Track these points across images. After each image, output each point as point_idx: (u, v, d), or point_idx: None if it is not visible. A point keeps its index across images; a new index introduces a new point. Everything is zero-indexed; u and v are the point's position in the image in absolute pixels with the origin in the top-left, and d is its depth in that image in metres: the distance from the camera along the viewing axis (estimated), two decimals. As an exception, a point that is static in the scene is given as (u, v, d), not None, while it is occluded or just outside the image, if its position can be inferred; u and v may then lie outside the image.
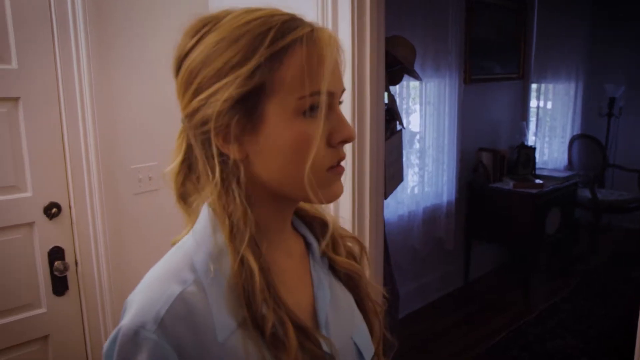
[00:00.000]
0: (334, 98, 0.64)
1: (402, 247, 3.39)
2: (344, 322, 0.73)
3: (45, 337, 1.90)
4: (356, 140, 1.71)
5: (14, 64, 1.72)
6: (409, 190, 3.42)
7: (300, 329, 0.63)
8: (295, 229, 0.76)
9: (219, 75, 0.63)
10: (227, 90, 0.62)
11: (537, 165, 4.33)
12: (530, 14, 4.31)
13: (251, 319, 0.61)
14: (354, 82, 1.68)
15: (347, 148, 1.55)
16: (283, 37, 0.61)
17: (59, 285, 1.90)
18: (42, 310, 1.88)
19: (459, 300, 3.89)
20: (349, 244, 0.79)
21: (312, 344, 0.63)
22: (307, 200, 0.65)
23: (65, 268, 1.88)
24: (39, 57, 1.76)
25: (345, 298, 0.76)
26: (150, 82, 2.02)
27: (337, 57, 0.63)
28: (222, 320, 0.62)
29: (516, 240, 3.92)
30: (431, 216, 3.63)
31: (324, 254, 0.75)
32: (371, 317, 0.78)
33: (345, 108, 1.71)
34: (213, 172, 0.65)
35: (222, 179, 0.65)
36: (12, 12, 1.69)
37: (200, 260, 0.66)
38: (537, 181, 3.84)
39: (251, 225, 0.64)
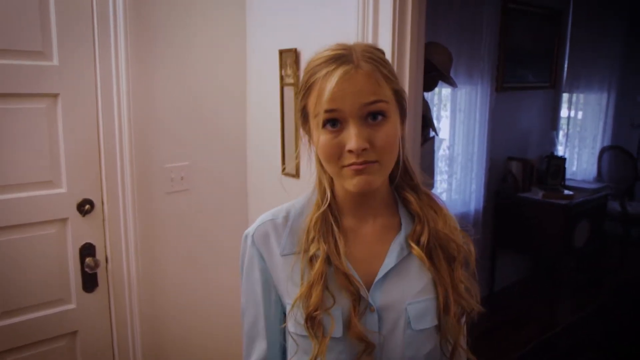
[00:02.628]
0: (344, 115, 0.83)
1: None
2: (403, 289, 0.91)
3: (74, 333, 1.91)
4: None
5: (55, 61, 1.73)
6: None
7: (336, 265, 0.89)
8: (398, 212, 0.97)
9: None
10: (297, 105, 0.99)
11: (566, 176, 4.25)
12: (565, 23, 4.24)
13: (304, 247, 0.91)
14: (393, 87, 1.65)
15: None
16: (310, 78, 0.87)
17: (89, 281, 1.91)
18: (72, 306, 1.89)
19: (483, 310, 3.83)
20: (453, 244, 0.94)
21: (343, 277, 0.88)
22: (344, 186, 0.89)
23: (96, 265, 1.88)
24: (80, 54, 1.77)
25: (418, 274, 0.92)
26: (186, 83, 2.03)
27: (347, 85, 0.82)
28: (288, 243, 0.94)
29: (543, 252, 3.84)
30: (459, 224, 3.57)
31: (410, 238, 0.93)
32: (447, 303, 0.91)
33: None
34: (310, 157, 0.97)
35: (316, 163, 0.95)
36: (55, 9, 1.70)
37: (295, 208, 0.98)
38: (567, 192, 3.77)
39: (329, 195, 0.93)
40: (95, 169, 1.87)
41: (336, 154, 0.84)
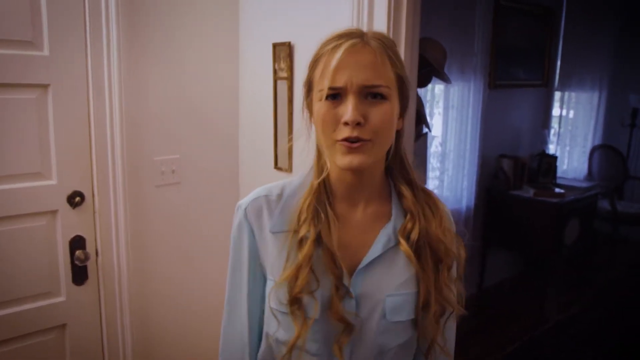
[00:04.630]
0: (346, 88, 0.84)
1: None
2: (385, 280, 0.92)
3: (63, 326, 1.90)
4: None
5: (46, 51, 1.71)
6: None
7: (325, 247, 0.89)
8: (391, 203, 0.97)
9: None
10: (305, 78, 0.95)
11: (557, 174, 4.27)
12: (558, 21, 4.25)
13: (295, 228, 0.91)
14: (386, 82, 1.65)
15: None
16: (319, 52, 0.89)
17: (79, 274, 1.89)
18: (61, 298, 1.88)
19: (472, 307, 3.84)
20: (442, 246, 0.93)
21: (330, 259, 0.89)
22: (335, 163, 0.89)
23: (86, 257, 1.87)
24: (70, 44, 1.75)
25: (403, 268, 0.92)
26: (177, 75, 2.01)
27: (352, 59, 0.84)
28: (279, 221, 0.94)
29: (533, 249, 3.87)
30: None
31: (400, 233, 0.93)
32: (427, 300, 0.91)
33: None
34: (309, 134, 0.96)
35: (316, 140, 0.93)
36: (46, -2, 1.68)
37: (290, 186, 0.98)
38: (558, 190, 3.79)
39: (325, 178, 0.94)
40: (85, 160, 1.85)
41: (332, 125, 0.85)
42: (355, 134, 0.83)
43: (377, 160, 0.90)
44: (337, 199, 0.95)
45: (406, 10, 1.64)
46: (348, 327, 0.89)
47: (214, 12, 2.08)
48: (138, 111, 1.92)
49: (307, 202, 0.92)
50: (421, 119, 2.39)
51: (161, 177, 2.02)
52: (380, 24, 1.63)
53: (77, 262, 1.86)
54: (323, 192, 0.93)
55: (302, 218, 0.91)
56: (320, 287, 0.89)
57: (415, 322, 0.92)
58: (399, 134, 0.94)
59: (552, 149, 4.56)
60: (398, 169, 0.96)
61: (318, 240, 0.90)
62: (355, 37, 0.85)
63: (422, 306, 0.91)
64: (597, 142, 5.12)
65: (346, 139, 0.83)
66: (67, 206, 1.83)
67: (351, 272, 0.91)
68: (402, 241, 0.91)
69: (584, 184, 4.29)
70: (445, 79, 2.48)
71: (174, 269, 2.12)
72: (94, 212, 1.89)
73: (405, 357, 0.96)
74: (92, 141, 1.84)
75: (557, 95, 4.55)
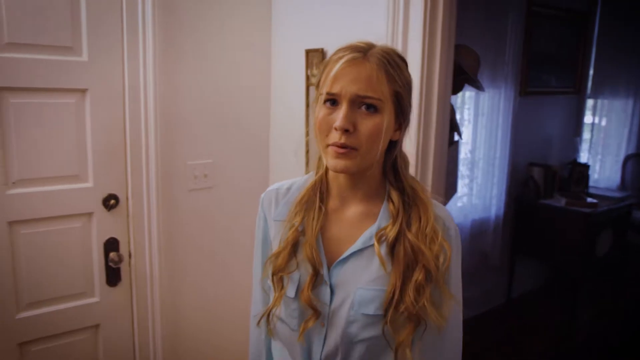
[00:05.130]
0: (340, 96, 0.91)
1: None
2: (359, 274, 0.99)
3: (96, 326, 1.93)
4: (420, 147, 1.68)
5: (85, 56, 1.75)
6: (458, 202, 3.34)
7: (307, 238, 1.00)
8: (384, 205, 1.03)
9: None
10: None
11: (589, 184, 4.18)
12: (591, 27, 4.17)
13: (289, 217, 1.04)
14: (421, 90, 1.64)
15: (411, 154, 1.55)
16: (327, 60, 0.97)
17: (113, 276, 1.92)
18: (96, 299, 1.91)
19: (501, 317, 3.79)
20: (418, 252, 0.96)
21: (309, 249, 0.99)
22: (326, 164, 0.98)
23: (120, 259, 1.90)
24: (108, 50, 1.79)
25: (377, 266, 0.98)
26: (210, 80, 2.03)
27: (349, 71, 0.91)
28: (282, 211, 1.07)
29: (564, 259, 3.78)
30: (479, 230, 3.55)
31: (376, 235, 0.99)
32: (393, 298, 0.95)
33: (411, 115, 1.67)
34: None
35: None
36: (86, 4, 1.72)
37: (298, 183, 1.10)
38: (590, 200, 3.71)
39: (324, 177, 1.04)
40: (121, 164, 1.88)
41: (326, 129, 0.93)
42: (342, 140, 0.91)
43: (364, 166, 0.95)
44: (332, 196, 1.04)
45: (442, 18, 1.63)
46: (315, 313, 0.98)
47: (247, 18, 2.10)
48: (172, 115, 1.94)
49: (303, 197, 1.04)
50: (453, 127, 2.37)
51: (194, 181, 2.05)
52: (416, 32, 1.63)
53: (111, 264, 1.89)
54: (318, 189, 1.04)
55: (296, 210, 1.03)
56: (300, 270, 1.00)
57: (384, 321, 0.95)
58: (395, 144, 1.01)
59: (583, 157, 4.47)
60: (392, 176, 1.03)
61: (304, 230, 1.02)
62: (359, 52, 0.93)
63: (388, 304, 0.94)
64: (631, 150, 4.98)
65: (335, 144, 0.91)
66: (102, 209, 1.87)
67: (332, 262, 1.01)
68: (375, 243, 0.98)
69: (617, 194, 4.18)
70: (478, 86, 2.46)
71: (203, 273, 2.13)
72: (128, 215, 1.92)
73: (376, 355, 0.99)
74: (127, 145, 1.88)
75: (590, 102, 4.46)
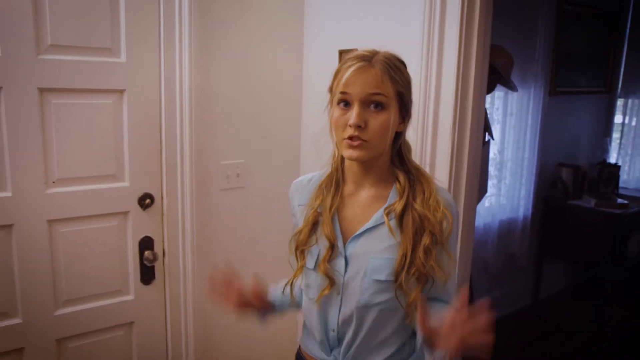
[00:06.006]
0: (352, 98, 1.07)
1: (475, 259, 3.28)
2: (371, 246, 1.14)
3: (131, 324, 1.96)
4: (455, 146, 1.68)
5: (123, 58, 1.77)
6: (486, 202, 3.31)
7: (324, 217, 1.17)
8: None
9: None
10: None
11: (619, 184, 4.11)
12: (623, 26, 4.09)
13: (310, 202, 1.22)
14: (457, 90, 1.63)
15: (446, 152, 1.56)
16: (339, 67, 1.12)
17: (147, 274, 1.95)
18: (130, 297, 1.94)
19: (527, 319, 3.75)
20: (425, 219, 1.11)
21: (327, 227, 1.16)
22: (342, 154, 1.14)
23: (155, 258, 1.92)
24: (146, 51, 1.81)
25: (387, 238, 1.13)
26: (243, 82, 2.04)
27: (358, 76, 1.07)
28: (304, 197, 1.25)
29: (593, 262, 3.73)
30: (506, 230, 3.51)
31: (385, 209, 1.15)
32: (404, 262, 1.10)
33: (447, 114, 1.67)
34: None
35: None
36: (125, 6, 1.74)
37: (319, 174, 1.27)
38: (621, 201, 3.64)
39: (339, 166, 1.20)
40: (156, 164, 1.91)
41: (342, 125, 1.09)
42: (356, 134, 1.07)
43: (374, 154, 1.11)
44: (348, 182, 1.20)
45: (478, 19, 1.62)
46: (330, 282, 1.15)
47: (280, 18, 2.11)
48: (205, 115, 1.96)
49: (322, 183, 1.22)
50: (485, 127, 2.35)
51: (226, 181, 2.06)
52: (452, 34, 1.62)
53: (146, 262, 1.92)
54: (335, 177, 1.20)
55: (316, 194, 1.22)
56: (319, 245, 1.17)
57: (396, 285, 1.10)
58: (400, 134, 1.16)
59: (612, 157, 4.39)
60: (398, 161, 1.18)
61: (322, 211, 1.19)
62: (365, 60, 1.08)
63: (400, 269, 1.09)
64: (662, 151, 4.89)
65: (350, 138, 1.07)
66: (138, 208, 1.89)
67: (347, 238, 1.16)
68: (385, 217, 1.13)
69: (648, 195, 4.11)
70: (511, 86, 2.43)
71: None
72: (162, 214, 1.95)
73: (389, 318, 1.16)
74: (163, 145, 1.90)
75: (620, 102, 4.38)
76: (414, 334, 1.19)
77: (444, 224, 1.11)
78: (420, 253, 1.09)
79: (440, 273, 1.10)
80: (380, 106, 1.08)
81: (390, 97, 1.08)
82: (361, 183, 1.18)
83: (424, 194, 1.14)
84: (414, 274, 1.09)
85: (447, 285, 1.15)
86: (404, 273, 1.08)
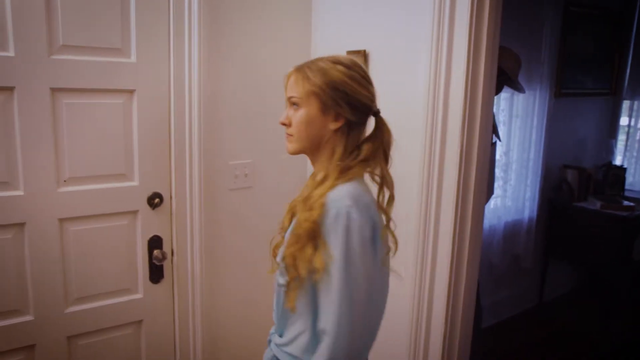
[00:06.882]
0: (289, 100, 1.22)
1: (480, 261, 3.28)
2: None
3: (140, 322, 1.97)
4: (464, 146, 1.69)
5: (133, 58, 1.79)
6: (492, 204, 3.32)
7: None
8: None
9: None
10: None
11: (624, 187, 4.10)
12: (629, 27, 4.09)
13: None
14: (466, 91, 1.64)
15: (455, 153, 1.57)
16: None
17: (156, 273, 1.96)
18: (139, 295, 1.95)
19: (532, 321, 3.75)
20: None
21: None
22: None
23: (163, 257, 1.94)
24: (156, 51, 1.83)
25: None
26: (251, 82, 2.06)
27: (287, 81, 1.23)
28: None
29: (598, 264, 3.73)
30: (511, 232, 3.52)
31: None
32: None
33: (456, 115, 1.68)
34: None
35: None
36: (135, 6, 1.76)
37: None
38: (627, 203, 3.64)
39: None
40: (165, 163, 1.92)
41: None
42: (286, 130, 1.24)
43: (302, 146, 1.22)
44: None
45: (488, 21, 1.63)
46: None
47: (288, 19, 2.12)
48: (214, 115, 1.98)
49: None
50: (492, 129, 2.35)
51: (234, 181, 2.08)
52: (461, 34, 1.63)
53: (154, 261, 1.93)
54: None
55: None
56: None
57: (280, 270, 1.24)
58: (337, 132, 1.19)
59: (618, 160, 4.39)
60: (326, 158, 1.21)
61: None
62: (295, 68, 1.22)
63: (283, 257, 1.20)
64: (668, 153, 4.88)
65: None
66: (147, 207, 1.91)
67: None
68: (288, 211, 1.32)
69: (654, 198, 4.10)
70: (519, 88, 2.44)
71: (241, 273, 2.16)
72: (171, 214, 1.96)
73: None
74: (172, 144, 1.91)
75: (626, 104, 4.38)
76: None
77: (311, 221, 1.11)
78: (290, 245, 1.16)
79: (301, 266, 1.13)
80: (295, 105, 1.21)
81: (303, 98, 1.19)
82: (314, 176, 1.26)
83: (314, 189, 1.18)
84: (284, 259, 1.18)
85: (320, 286, 1.13)
86: (281, 260, 1.21)
